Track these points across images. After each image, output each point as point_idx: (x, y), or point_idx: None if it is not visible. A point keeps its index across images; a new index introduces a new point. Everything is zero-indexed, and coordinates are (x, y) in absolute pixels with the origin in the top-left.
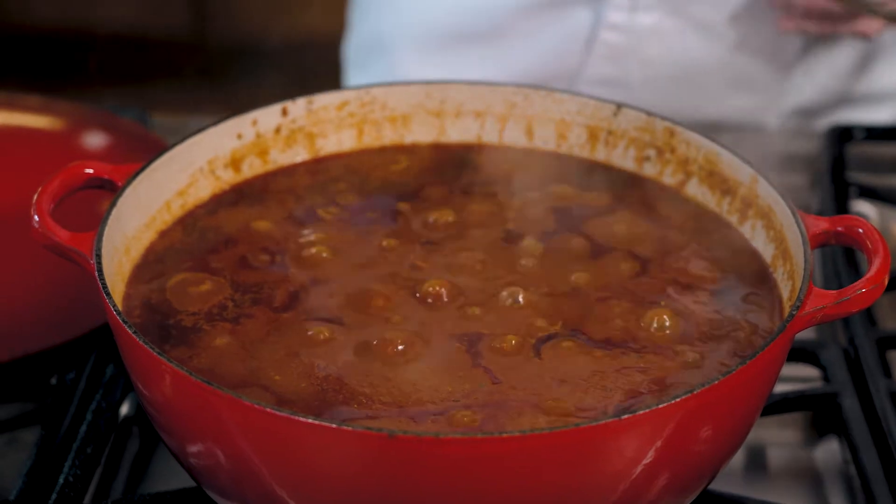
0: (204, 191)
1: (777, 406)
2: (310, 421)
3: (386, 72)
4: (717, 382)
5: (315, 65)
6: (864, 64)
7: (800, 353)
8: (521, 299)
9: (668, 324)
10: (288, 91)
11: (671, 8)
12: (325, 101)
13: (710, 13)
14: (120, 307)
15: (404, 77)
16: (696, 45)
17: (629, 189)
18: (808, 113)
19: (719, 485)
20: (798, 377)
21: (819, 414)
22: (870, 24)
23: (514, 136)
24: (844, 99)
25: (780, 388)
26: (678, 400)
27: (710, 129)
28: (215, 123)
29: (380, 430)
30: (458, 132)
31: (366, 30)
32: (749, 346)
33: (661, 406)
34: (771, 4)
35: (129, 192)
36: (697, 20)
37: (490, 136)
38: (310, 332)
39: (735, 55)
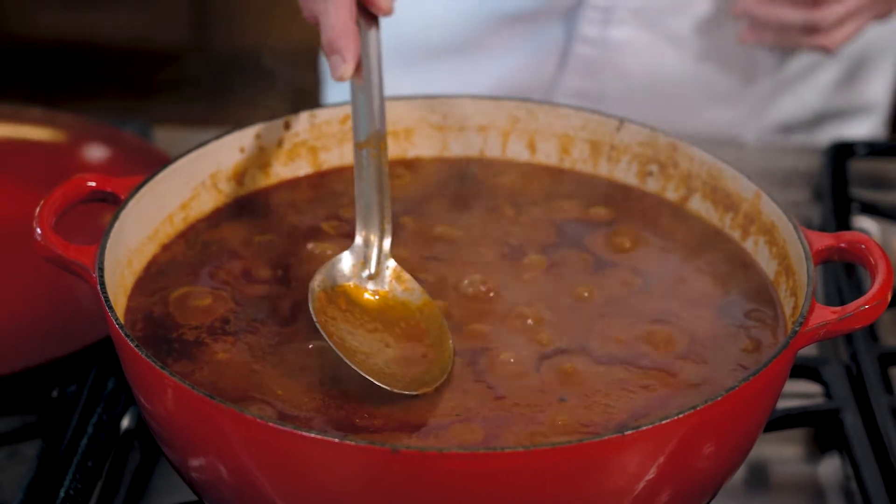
0: (206, 204)
1: (779, 422)
2: (312, 435)
3: None
4: (720, 399)
5: (319, 78)
6: (848, 78)
7: (802, 370)
8: (524, 314)
9: (670, 340)
10: (291, 104)
11: (643, 21)
12: (328, 114)
13: (681, 26)
14: (122, 320)
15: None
16: (669, 58)
17: (632, 204)
18: (787, 128)
19: (722, 501)
20: (800, 393)
21: (821, 430)
22: (830, 38)
23: (517, 151)
24: (825, 114)
25: (782, 404)
26: (681, 416)
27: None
28: (218, 137)
29: (383, 445)
30: (461, 146)
31: None
32: (752, 363)
33: (664, 422)
34: (734, 16)
35: (131, 204)
36: (670, 33)
37: (493, 150)
38: (312, 347)
39: (707, 67)
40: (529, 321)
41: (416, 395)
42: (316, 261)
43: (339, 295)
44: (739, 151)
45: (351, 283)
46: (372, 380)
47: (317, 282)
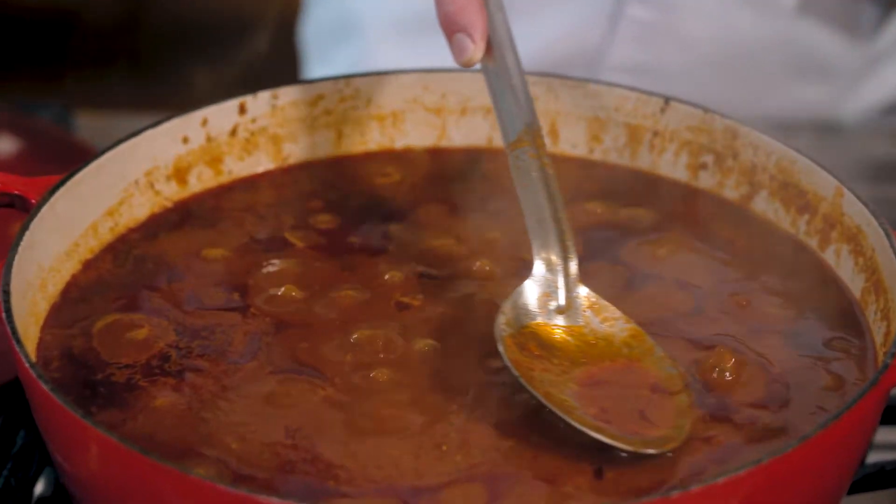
0: (140, 210)
1: (870, 480)
2: (275, 501)
3: (355, 60)
4: (790, 451)
5: (272, 53)
6: None
7: None
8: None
9: (729, 376)
10: (242, 84)
11: None
12: (293, 94)
13: None
14: (33, 358)
15: (378, 66)
16: (745, 19)
17: (680, 204)
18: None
19: None
20: None
21: None
22: None
23: None
24: None
25: (874, 457)
26: (741, 473)
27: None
28: (155, 125)
29: None
30: (463, 134)
31: (329, 9)
32: (833, 404)
33: (720, 481)
34: None
35: (45, 211)
36: None
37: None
38: (274, 390)
39: (800, 31)
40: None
41: (408, 449)
42: (279, 280)
43: (527, 337)
44: (833, 138)
45: (539, 321)
46: (620, 445)
47: (502, 324)
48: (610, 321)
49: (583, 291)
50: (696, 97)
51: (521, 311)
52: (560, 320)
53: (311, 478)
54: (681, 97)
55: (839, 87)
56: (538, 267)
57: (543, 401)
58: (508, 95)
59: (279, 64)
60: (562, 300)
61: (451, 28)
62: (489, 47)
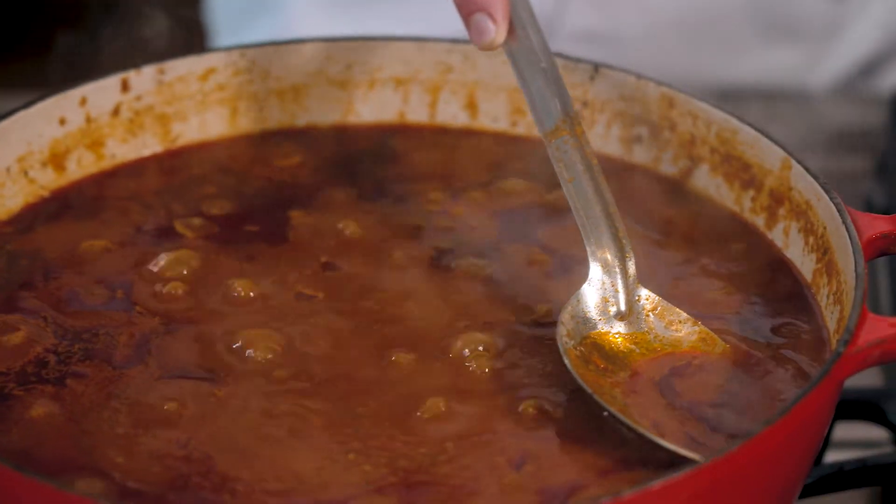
0: (14, 200)
1: (828, 482)
2: None
3: (275, 34)
4: (733, 451)
5: (168, 24)
6: None
7: (858, 407)
8: (464, 341)
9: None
10: (127, 58)
11: None
12: (182, 68)
13: None
14: None
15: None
16: None
17: (611, 182)
18: (866, 70)
19: None
20: (858, 440)
21: (891, 490)
22: None
23: (450, 113)
24: None
25: (833, 456)
26: (680, 476)
27: (735, 98)
28: (27, 105)
29: None
30: (371, 109)
31: None
32: (776, 400)
33: (655, 485)
34: None
35: None
36: None
37: (417, 112)
38: (164, 397)
39: None
40: (470, 350)
41: (311, 457)
42: (168, 275)
43: (590, 348)
44: (773, 106)
45: (600, 329)
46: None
47: (563, 336)
48: (676, 325)
49: (643, 293)
50: (659, 65)
51: (581, 321)
52: (621, 327)
53: (205, 492)
54: (637, 66)
55: (809, 50)
56: (594, 270)
57: (623, 418)
58: (540, 79)
59: (173, 36)
60: (622, 305)
61: (467, 8)
62: (511, 27)
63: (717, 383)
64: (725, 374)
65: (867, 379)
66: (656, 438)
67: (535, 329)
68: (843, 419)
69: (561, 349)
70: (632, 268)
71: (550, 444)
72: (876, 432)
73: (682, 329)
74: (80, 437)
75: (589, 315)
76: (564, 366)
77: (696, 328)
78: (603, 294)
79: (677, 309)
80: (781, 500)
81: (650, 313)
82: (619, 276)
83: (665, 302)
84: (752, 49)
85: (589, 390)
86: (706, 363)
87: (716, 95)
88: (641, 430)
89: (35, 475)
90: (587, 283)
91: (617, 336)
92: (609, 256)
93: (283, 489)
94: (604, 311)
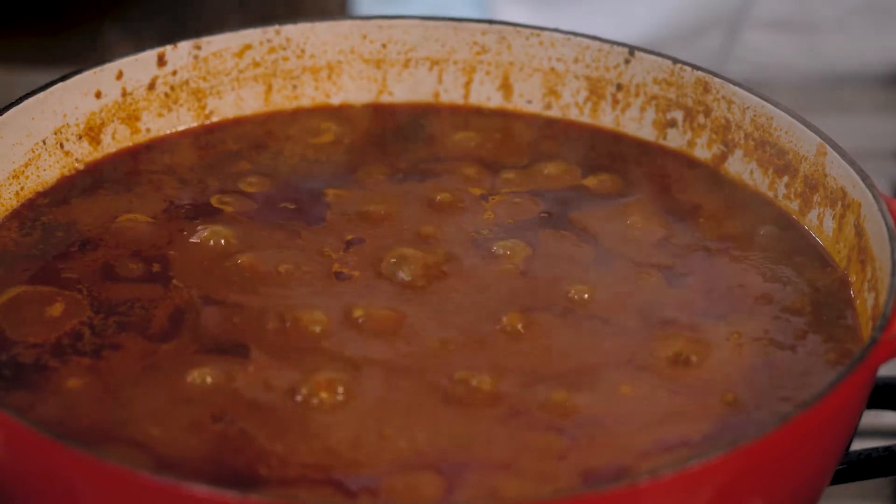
0: (49, 172)
1: (855, 469)
2: (203, 491)
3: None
4: (764, 437)
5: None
6: None
7: (886, 395)
8: (502, 325)
9: (703, 353)
10: (165, 34)
11: None
12: (218, 44)
13: None
14: None
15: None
16: None
17: (646, 167)
18: None
19: None
20: (886, 428)
21: None
22: None
23: (485, 93)
24: None
25: (859, 444)
26: (718, 457)
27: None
28: (64, 78)
29: (295, 503)
30: (406, 88)
31: None
32: (812, 385)
33: (693, 466)
34: None
35: None
36: None
37: (452, 93)
38: (200, 370)
39: None
40: (510, 331)
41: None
42: (205, 249)
43: None
44: None
45: None
46: None
47: None
48: None
49: None
50: (849, 51)
51: None
52: None
53: (239, 465)
54: (830, 54)
55: None
56: None
57: None
58: None
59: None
60: None
61: None
62: None
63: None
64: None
65: (893, 368)
66: None
67: (570, 312)
68: (870, 408)
69: None
70: None
71: (592, 424)
72: None
73: None
74: (115, 409)
75: None
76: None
77: None
78: None
79: None
80: (815, 484)
81: None
82: None
83: None
84: None
85: None
86: None
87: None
88: None
89: (73, 444)
90: None
91: None
92: None
93: (318, 463)
94: None
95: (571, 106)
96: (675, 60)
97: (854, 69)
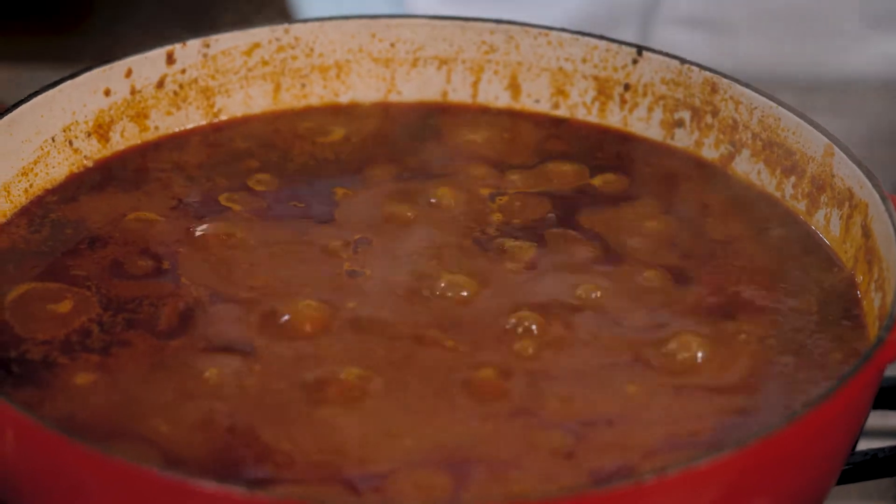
0: (58, 169)
1: (860, 470)
2: (210, 488)
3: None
4: (770, 436)
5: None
6: None
7: (891, 396)
8: (511, 323)
9: (700, 354)
10: (171, 32)
11: None
12: (227, 43)
13: None
14: None
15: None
16: None
17: (653, 167)
18: None
19: None
20: (892, 429)
21: None
22: None
23: (492, 93)
24: None
25: (864, 444)
26: (725, 455)
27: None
28: (73, 75)
29: (306, 499)
30: (414, 87)
31: None
32: (819, 384)
33: (701, 465)
34: None
35: None
36: None
37: (459, 92)
38: (208, 367)
39: None
40: (521, 329)
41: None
42: (214, 247)
43: None
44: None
45: None
46: None
47: None
48: None
49: None
50: (764, 53)
51: None
52: None
53: (247, 462)
54: (744, 55)
55: None
56: None
57: None
58: None
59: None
60: None
61: None
62: None
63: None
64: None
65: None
66: None
67: (578, 311)
68: (876, 408)
69: None
70: None
71: (598, 423)
72: None
73: None
74: (124, 406)
75: None
76: None
77: None
78: None
79: None
80: (822, 483)
81: None
82: None
83: None
84: (860, 38)
85: None
86: None
87: (825, 87)
88: None
89: (81, 441)
90: None
91: None
92: None
93: (325, 460)
94: None
95: (579, 105)
96: (683, 61)
97: (771, 73)
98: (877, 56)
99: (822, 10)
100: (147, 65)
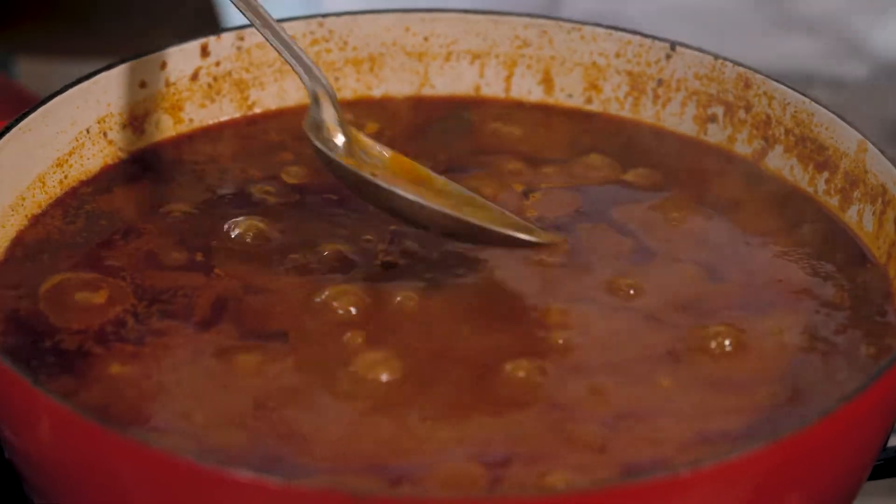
0: (93, 161)
1: (892, 465)
2: (247, 477)
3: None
4: (804, 430)
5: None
6: None
7: None
8: (542, 317)
9: (745, 350)
10: (202, 27)
11: None
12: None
13: None
14: None
15: (324, 8)
16: None
17: (686, 161)
18: None
19: None
20: None
21: None
22: None
23: (526, 87)
24: None
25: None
26: (758, 450)
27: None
28: (108, 67)
29: (342, 489)
30: (447, 81)
31: None
32: (852, 379)
33: (733, 458)
34: None
35: None
36: None
37: (493, 86)
38: (242, 357)
39: None
40: (552, 323)
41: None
42: (247, 239)
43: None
44: (834, 95)
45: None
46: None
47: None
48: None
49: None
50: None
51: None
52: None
53: (283, 453)
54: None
55: (833, 43)
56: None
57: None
58: None
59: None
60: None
61: None
62: None
63: None
64: None
65: None
66: (500, 228)
67: (612, 306)
68: None
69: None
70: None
71: (631, 417)
72: None
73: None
74: (158, 395)
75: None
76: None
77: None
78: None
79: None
80: (855, 478)
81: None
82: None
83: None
84: (765, 38)
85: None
86: None
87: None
88: (476, 221)
89: (117, 430)
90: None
91: None
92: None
93: (360, 451)
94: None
95: (612, 100)
96: (717, 56)
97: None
98: (781, 56)
99: (722, 10)
100: (182, 57)
